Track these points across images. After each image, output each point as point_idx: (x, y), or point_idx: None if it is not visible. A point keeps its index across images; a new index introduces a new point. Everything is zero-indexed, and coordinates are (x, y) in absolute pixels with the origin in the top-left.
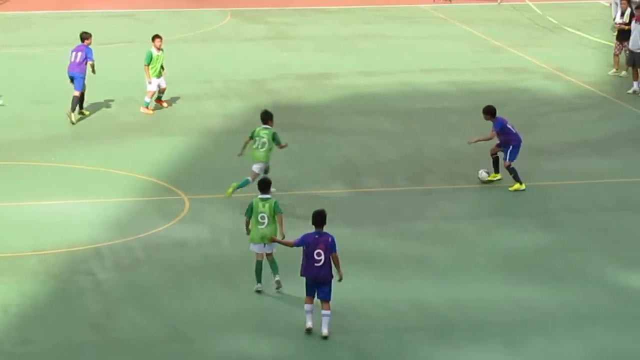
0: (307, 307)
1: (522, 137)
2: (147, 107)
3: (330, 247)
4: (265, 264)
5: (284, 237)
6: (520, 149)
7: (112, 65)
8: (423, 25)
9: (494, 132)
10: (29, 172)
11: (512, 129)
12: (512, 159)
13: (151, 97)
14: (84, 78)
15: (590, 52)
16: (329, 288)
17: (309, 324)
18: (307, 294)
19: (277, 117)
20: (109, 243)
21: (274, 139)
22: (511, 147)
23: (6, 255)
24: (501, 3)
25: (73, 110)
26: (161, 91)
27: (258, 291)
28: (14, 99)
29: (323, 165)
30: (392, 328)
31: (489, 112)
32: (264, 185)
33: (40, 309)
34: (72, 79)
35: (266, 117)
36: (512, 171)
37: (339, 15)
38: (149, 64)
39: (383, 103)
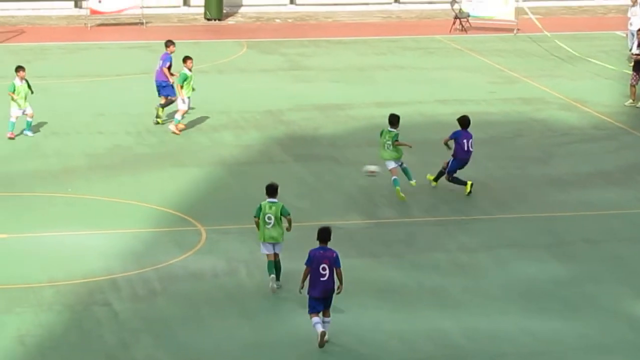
0: (315, 319)
1: (469, 157)
2: (176, 125)
3: (334, 263)
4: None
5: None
6: (461, 166)
7: (127, 97)
8: (438, 56)
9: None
10: (45, 202)
11: (465, 144)
12: (450, 168)
13: (182, 116)
14: (170, 85)
15: (607, 83)
16: (331, 299)
17: (320, 329)
18: (314, 312)
19: (293, 148)
20: (125, 274)
21: (393, 140)
22: (454, 158)
23: (22, 286)
24: (517, 34)
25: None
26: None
27: (275, 287)
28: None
29: (339, 195)
30: (407, 359)
31: (459, 121)
32: (271, 190)
33: (57, 340)
34: (158, 88)
35: (393, 120)
36: (454, 181)
37: (354, 46)
38: (182, 84)
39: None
